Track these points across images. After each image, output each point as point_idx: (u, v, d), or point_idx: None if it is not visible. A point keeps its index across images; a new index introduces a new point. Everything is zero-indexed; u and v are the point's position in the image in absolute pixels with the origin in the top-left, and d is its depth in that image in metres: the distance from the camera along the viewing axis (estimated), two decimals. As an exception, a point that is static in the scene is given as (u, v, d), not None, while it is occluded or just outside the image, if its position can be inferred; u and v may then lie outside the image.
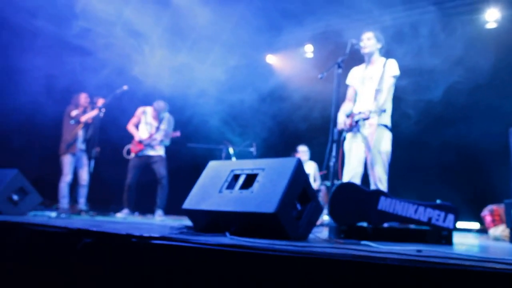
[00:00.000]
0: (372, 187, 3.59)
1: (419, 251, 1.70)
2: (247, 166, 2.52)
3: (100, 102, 5.44)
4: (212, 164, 2.74)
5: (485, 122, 5.53)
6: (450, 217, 2.31)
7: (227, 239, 1.93)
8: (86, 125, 5.73)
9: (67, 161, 5.66)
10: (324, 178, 6.03)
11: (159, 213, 5.34)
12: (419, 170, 6.63)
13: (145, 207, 6.07)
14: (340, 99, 3.40)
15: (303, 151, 6.32)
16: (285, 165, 2.34)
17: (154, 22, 6.20)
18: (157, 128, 5.63)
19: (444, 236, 2.32)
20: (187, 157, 7.00)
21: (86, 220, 3.53)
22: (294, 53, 8.10)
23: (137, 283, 1.61)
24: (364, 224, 2.43)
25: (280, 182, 2.25)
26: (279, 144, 7.94)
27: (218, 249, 1.48)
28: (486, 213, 4.02)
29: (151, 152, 5.61)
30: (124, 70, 5.80)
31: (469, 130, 5.87)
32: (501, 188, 3.91)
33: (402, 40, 5.52)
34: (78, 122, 5.60)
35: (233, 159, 5.79)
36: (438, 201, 2.39)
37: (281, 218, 2.17)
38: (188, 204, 2.57)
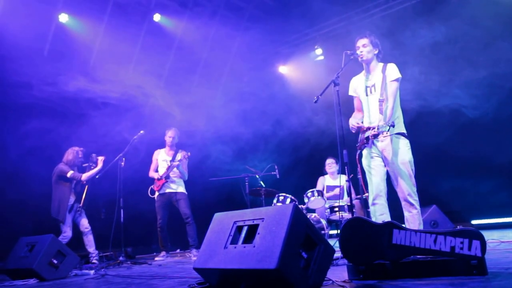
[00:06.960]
0: (402, 203, 3.30)
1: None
2: (248, 217, 2.42)
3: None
4: (217, 217, 2.66)
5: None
6: (476, 243, 2.04)
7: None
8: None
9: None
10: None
11: (194, 252, 5.35)
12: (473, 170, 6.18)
13: (183, 242, 6.13)
14: (343, 119, 3.19)
15: (329, 164, 5.97)
16: (281, 213, 2.21)
17: (159, 65, 6.28)
18: (172, 160, 5.67)
19: (474, 266, 2.06)
20: (212, 191, 6.95)
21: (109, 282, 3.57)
22: (305, 59, 7.90)
23: None
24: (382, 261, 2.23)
25: (279, 233, 2.13)
26: (302, 162, 7.72)
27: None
28: None
29: (173, 187, 5.59)
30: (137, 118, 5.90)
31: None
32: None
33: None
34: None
35: (262, 183, 5.69)
36: (458, 227, 2.13)
37: (284, 272, 2.04)
38: (197, 263, 2.51)
